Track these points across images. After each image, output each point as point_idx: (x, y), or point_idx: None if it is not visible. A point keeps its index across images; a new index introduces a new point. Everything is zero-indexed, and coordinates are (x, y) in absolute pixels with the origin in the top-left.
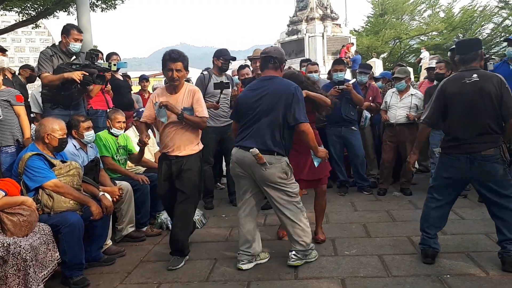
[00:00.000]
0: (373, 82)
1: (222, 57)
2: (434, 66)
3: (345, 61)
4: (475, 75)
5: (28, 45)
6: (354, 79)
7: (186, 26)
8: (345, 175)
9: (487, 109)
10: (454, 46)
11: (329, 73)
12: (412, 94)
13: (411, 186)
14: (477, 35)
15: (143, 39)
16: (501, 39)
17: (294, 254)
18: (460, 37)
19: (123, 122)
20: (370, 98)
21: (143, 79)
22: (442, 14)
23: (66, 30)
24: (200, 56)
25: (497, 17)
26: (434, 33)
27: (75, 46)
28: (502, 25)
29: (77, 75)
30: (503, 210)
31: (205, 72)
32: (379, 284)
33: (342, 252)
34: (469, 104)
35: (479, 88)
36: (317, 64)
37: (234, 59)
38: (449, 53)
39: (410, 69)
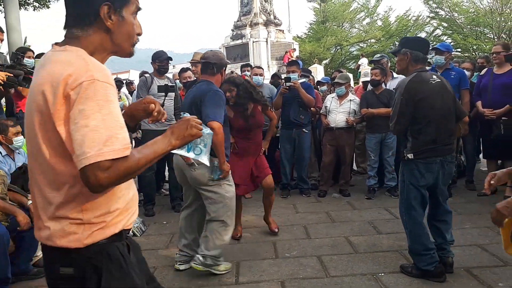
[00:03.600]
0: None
1: (158, 60)
2: (368, 73)
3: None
4: (434, 76)
5: None
6: (304, 79)
7: None
8: (288, 178)
9: (452, 110)
10: (374, 58)
11: (272, 77)
12: (351, 100)
13: (350, 187)
14: None
15: None
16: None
17: (198, 258)
18: (396, 45)
19: None
20: None
21: None
22: (379, 23)
23: None
24: (145, 58)
25: (428, 26)
26: (372, 40)
27: None
28: (433, 34)
29: (0, 76)
30: (447, 213)
31: (147, 75)
32: (317, 285)
33: (283, 254)
34: (441, 105)
35: (444, 89)
36: (263, 68)
37: (170, 59)
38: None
39: (350, 75)
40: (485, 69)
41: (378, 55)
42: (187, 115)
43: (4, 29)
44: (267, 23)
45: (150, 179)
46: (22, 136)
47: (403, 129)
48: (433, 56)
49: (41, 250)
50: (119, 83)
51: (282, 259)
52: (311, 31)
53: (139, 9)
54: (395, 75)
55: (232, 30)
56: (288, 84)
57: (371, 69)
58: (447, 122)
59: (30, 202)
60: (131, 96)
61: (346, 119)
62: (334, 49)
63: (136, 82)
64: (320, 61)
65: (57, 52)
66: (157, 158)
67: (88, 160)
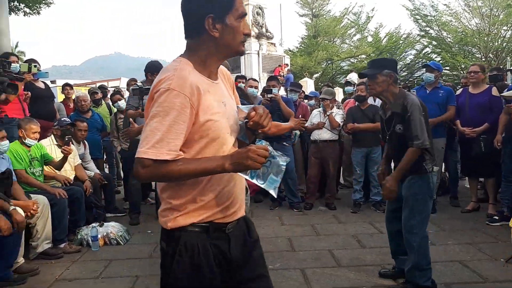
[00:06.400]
0: (304, 101)
1: (157, 72)
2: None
3: (279, 79)
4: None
5: None
6: (285, 93)
7: (122, 36)
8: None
9: None
10: (363, 72)
11: (263, 90)
12: (333, 112)
13: (336, 201)
14: (401, 59)
15: (75, 47)
16: (422, 65)
17: None
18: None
19: (38, 132)
20: (300, 116)
21: (67, 86)
22: (370, 39)
23: None
24: (137, 66)
25: (418, 44)
26: (363, 56)
27: None
28: (423, 52)
29: None
30: None
31: (140, 83)
32: None
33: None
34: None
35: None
36: (258, 81)
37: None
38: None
39: (340, 90)
40: (461, 89)
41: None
42: (261, 143)
43: None
44: (259, 36)
45: (137, 188)
46: (7, 141)
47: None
48: (423, 73)
49: None
50: (102, 90)
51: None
52: (302, 45)
53: (244, 14)
54: None
55: None
56: (269, 95)
57: (357, 85)
58: None
59: (12, 207)
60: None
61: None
62: (325, 64)
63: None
64: (311, 75)
65: (171, 62)
66: (205, 174)
67: (137, 154)
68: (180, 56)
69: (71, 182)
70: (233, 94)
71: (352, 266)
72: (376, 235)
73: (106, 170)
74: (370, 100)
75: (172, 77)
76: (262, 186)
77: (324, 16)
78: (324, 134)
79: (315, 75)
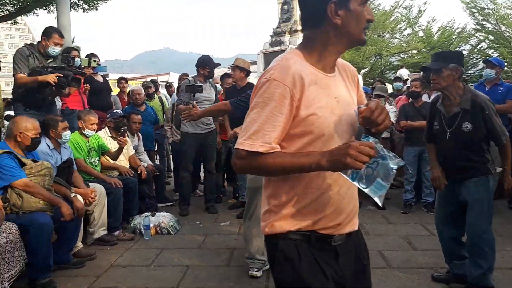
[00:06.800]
0: None
1: (208, 66)
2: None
3: None
4: None
5: (7, 41)
6: None
7: (171, 31)
8: None
9: None
10: (426, 65)
11: None
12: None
13: (385, 200)
14: None
15: (126, 42)
16: (477, 60)
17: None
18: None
19: (96, 123)
20: None
21: (122, 79)
22: (421, 34)
23: (48, 33)
24: (184, 62)
25: (473, 39)
26: (413, 51)
27: (54, 50)
28: (478, 47)
29: (51, 78)
30: None
31: (191, 78)
32: None
33: None
34: None
35: None
36: None
37: (218, 65)
38: (421, 73)
39: (390, 85)
40: None
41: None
42: (368, 139)
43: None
44: None
45: (187, 180)
46: (69, 131)
47: None
48: (479, 70)
49: None
50: (155, 84)
51: None
52: None
53: None
54: None
55: (271, 37)
56: None
57: (411, 81)
58: None
59: (73, 194)
60: (170, 97)
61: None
62: (373, 59)
63: (175, 85)
64: (359, 70)
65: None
66: (301, 170)
67: (236, 144)
68: (295, 47)
69: (132, 174)
70: (355, 93)
71: (403, 268)
72: (428, 237)
73: (157, 162)
74: (425, 97)
75: (276, 67)
76: (365, 191)
77: (374, 10)
78: None
79: (363, 71)
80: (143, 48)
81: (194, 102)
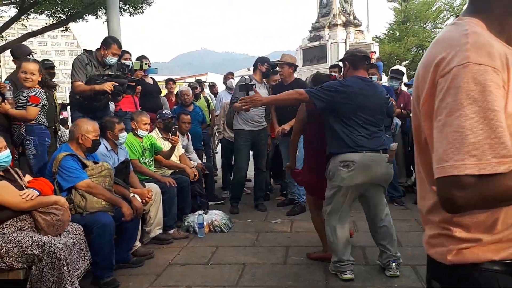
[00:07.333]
0: (405, 89)
1: (266, 63)
2: None
3: None
4: None
5: (54, 48)
6: (396, 83)
7: (207, 32)
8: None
9: None
10: None
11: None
12: None
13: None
14: None
15: (164, 44)
16: None
17: (395, 263)
18: None
19: (149, 124)
20: (401, 105)
21: (170, 81)
22: None
23: (107, 43)
24: (220, 61)
25: None
26: None
27: (111, 60)
28: None
29: (108, 86)
30: None
31: (247, 76)
32: None
33: (373, 261)
34: None
35: None
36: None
37: (276, 66)
38: None
39: None
40: None
41: None
42: None
43: (107, 33)
44: (346, 24)
45: (241, 183)
46: (125, 133)
47: None
48: None
49: None
50: (200, 85)
51: (371, 266)
52: (390, 31)
53: None
54: None
55: (310, 32)
56: None
57: None
58: None
59: (132, 194)
60: (215, 97)
61: None
62: (415, 50)
63: (218, 84)
64: (401, 62)
65: (445, 28)
66: None
67: (443, 171)
68: (460, 16)
69: (175, 184)
70: None
71: None
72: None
73: (204, 161)
74: None
75: (466, 46)
76: None
77: (415, 0)
78: None
79: (404, 63)
80: (181, 50)
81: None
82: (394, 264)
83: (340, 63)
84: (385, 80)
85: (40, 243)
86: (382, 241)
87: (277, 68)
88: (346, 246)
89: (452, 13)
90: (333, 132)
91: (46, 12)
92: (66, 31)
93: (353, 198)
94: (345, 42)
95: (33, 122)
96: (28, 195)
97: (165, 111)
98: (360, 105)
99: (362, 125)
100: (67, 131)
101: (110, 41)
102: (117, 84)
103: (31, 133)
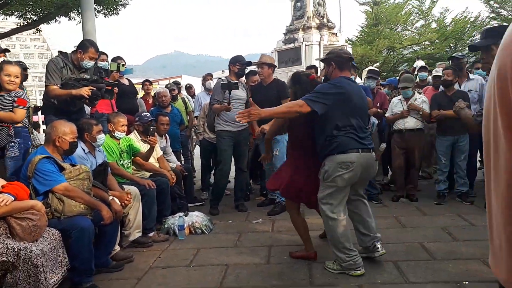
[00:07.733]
0: (381, 88)
1: (238, 63)
2: (440, 74)
3: None
4: None
5: (23, 51)
6: (372, 82)
7: (180, 34)
8: None
9: None
10: (455, 54)
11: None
12: (416, 99)
13: (417, 192)
14: (468, 44)
15: (138, 46)
16: None
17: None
18: (452, 47)
19: (126, 125)
20: (378, 104)
21: (146, 82)
22: (434, 25)
23: (84, 47)
24: (194, 63)
25: (488, 27)
26: (427, 43)
27: (88, 63)
28: None
29: (85, 91)
30: None
31: (223, 78)
32: None
33: None
34: None
35: None
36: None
37: (249, 64)
38: (449, 62)
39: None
40: None
41: (459, 53)
42: None
43: (80, 35)
44: (320, 27)
45: (225, 182)
46: (103, 134)
47: None
48: None
49: None
50: (177, 86)
51: None
52: (362, 33)
53: None
54: (471, 76)
55: (285, 34)
56: None
57: (443, 69)
58: None
59: (111, 197)
60: (192, 98)
61: (421, 113)
62: (386, 52)
63: (195, 87)
64: (372, 64)
65: None
66: None
67: None
68: None
69: (154, 187)
70: None
71: (448, 259)
72: (468, 227)
73: (182, 162)
74: (456, 86)
75: None
76: None
77: (385, 3)
78: (410, 123)
79: (376, 64)
80: (154, 52)
81: (229, 101)
82: (379, 244)
83: (318, 63)
84: (358, 80)
85: (16, 250)
86: (361, 224)
87: (256, 69)
88: (348, 238)
89: (421, 16)
90: (326, 134)
91: (16, 13)
92: (37, 33)
93: (346, 197)
94: (319, 45)
95: (20, 124)
96: (2, 200)
97: (144, 113)
98: (354, 105)
99: (355, 125)
100: (39, 135)
101: (87, 45)
102: (95, 88)
103: (18, 135)
